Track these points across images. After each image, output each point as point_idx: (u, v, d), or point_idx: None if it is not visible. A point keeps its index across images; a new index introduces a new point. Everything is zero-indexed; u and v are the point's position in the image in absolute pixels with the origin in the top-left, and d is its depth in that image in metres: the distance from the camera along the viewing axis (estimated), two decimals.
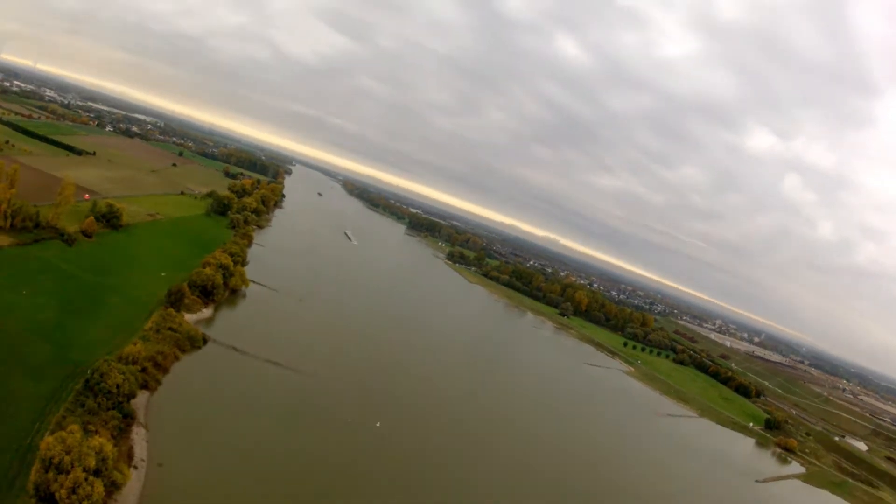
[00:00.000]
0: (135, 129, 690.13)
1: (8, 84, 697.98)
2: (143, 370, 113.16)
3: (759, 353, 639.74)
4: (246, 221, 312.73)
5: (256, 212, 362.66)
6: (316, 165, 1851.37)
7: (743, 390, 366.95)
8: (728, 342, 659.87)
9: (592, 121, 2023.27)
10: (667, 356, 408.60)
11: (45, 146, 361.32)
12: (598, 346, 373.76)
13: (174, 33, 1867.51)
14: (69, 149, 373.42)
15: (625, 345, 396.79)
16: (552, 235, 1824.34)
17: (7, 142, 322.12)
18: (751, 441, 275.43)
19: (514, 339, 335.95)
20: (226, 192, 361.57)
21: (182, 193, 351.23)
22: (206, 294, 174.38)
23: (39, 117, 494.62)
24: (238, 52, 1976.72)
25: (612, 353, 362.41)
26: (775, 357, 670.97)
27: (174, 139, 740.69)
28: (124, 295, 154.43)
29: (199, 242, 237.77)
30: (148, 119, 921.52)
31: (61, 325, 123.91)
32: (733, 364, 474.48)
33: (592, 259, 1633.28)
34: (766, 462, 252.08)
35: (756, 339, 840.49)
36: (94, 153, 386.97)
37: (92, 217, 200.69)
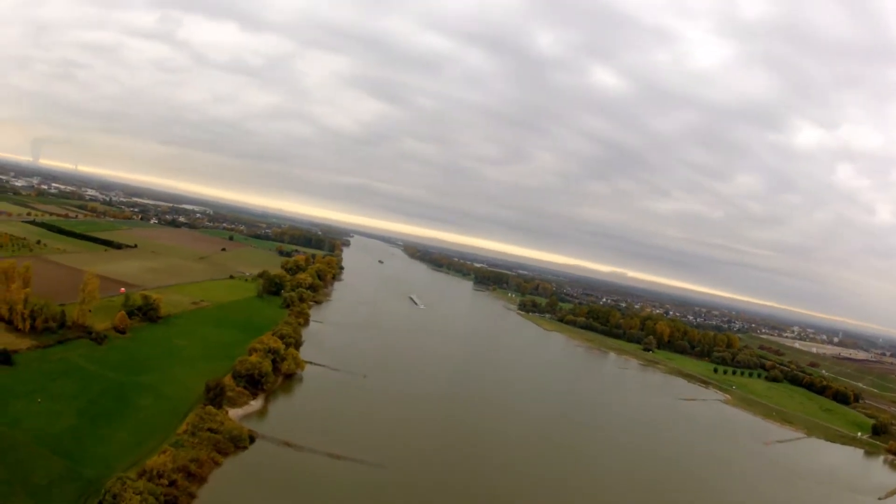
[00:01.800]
0: (182, 219, 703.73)
1: (46, 187, 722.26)
2: (172, 483, 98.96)
3: (845, 354, 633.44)
4: (301, 299, 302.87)
5: (312, 287, 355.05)
6: (374, 234, 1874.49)
7: (841, 397, 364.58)
8: (814, 348, 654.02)
9: (640, 147, 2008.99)
10: (758, 375, 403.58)
11: (83, 243, 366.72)
12: (689, 377, 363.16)
13: (210, 120, 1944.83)
14: (108, 244, 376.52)
15: (714, 371, 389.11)
16: (618, 269, 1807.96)
17: (38, 241, 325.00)
18: (860, 453, 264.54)
19: (601, 385, 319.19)
20: (278, 271, 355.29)
21: (231, 277, 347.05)
22: (254, 384, 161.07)
23: (77, 216, 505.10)
24: (278, 132, 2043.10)
25: (705, 383, 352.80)
26: (860, 355, 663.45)
27: (224, 225, 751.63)
28: (157, 394, 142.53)
29: (248, 327, 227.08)
30: (196, 208, 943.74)
31: (78, 435, 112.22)
32: (823, 371, 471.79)
33: (661, 286, 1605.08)
34: (882, 473, 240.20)
35: (835, 340, 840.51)
36: (136, 246, 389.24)
37: (122, 311, 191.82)
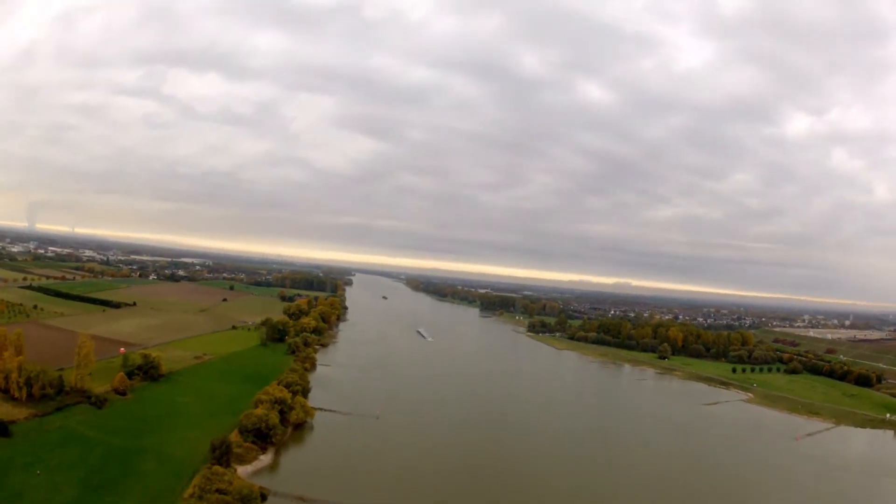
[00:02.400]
0: (181, 272, 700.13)
1: (42, 251, 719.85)
2: None
3: (860, 336, 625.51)
4: (306, 343, 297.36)
5: (317, 331, 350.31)
6: (376, 271, 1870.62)
7: (863, 381, 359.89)
8: (828, 334, 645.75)
9: (635, 157, 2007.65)
10: (777, 369, 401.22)
11: (81, 305, 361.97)
12: (708, 380, 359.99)
13: (204, 173, 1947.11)
14: (106, 303, 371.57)
15: (733, 371, 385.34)
16: (622, 280, 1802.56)
17: (35, 306, 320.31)
18: (891, 434, 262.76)
19: (622, 399, 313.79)
20: (281, 317, 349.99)
21: (234, 328, 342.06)
22: (263, 437, 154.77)
23: (74, 278, 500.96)
24: (272, 178, 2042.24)
25: (725, 384, 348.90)
26: (875, 335, 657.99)
27: (224, 275, 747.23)
28: (162, 457, 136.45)
29: (254, 378, 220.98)
30: (195, 261, 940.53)
31: None
32: (841, 356, 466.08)
33: (667, 292, 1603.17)
34: None
35: (847, 323, 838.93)
36: (135, 304, 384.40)
37: (121, 372, 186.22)
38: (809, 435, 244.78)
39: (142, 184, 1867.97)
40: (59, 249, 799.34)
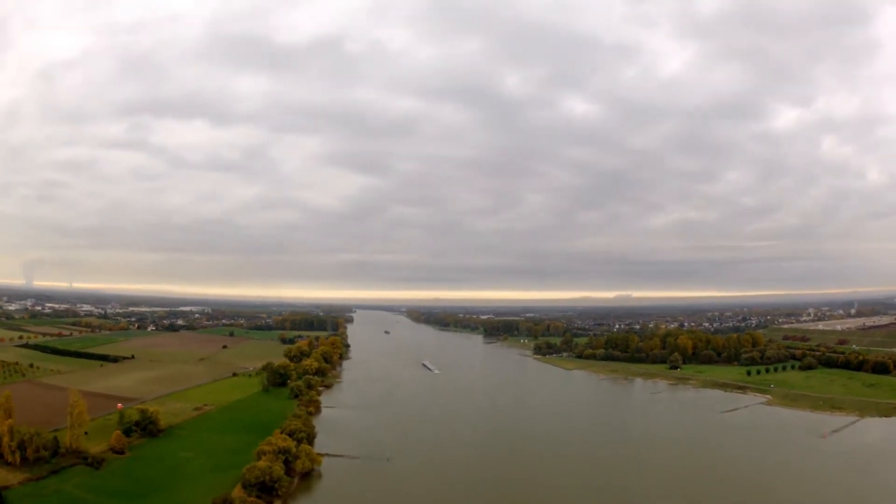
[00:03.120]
0: (180, 322, 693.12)
1: (40, 308, 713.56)
2: None
3: (870, 323, 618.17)
4: (309, 386, 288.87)
5: (320, 372, 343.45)
6: (376, 305, 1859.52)
7: (881, 368, 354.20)
8: (838, 325, 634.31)
9: (626, 167, 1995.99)
10: (792, 367, 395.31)
11: (78, 361, 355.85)
12: (724, 386, 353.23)
13: (199, 221, 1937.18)
14: (103, 358, 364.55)
15: (748, 374, 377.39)
16: (623, 293, 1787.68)
17: (31, 365, 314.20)
18: None
19: (639, 414, 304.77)
20: (282, 361, 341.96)
21: (234, 375, 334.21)
22: (268, 491, 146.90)
23: (71, 333, 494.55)
24: (267, 221, 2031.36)
25: (742, 388, 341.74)
26: (884, 320, 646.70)
27: (224, 321, 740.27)
28: None
29: (256, 427, 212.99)
30: (194, 309, 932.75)
31: None
32: (854, 345, 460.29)
33: (669, 299, 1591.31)
34: None
35: (852, 311, 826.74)
36: (133, 357, 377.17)
37: (118, 430, 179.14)
38: (836, 431, 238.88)
39: (136, 236, 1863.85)
40: (56, 305, 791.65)
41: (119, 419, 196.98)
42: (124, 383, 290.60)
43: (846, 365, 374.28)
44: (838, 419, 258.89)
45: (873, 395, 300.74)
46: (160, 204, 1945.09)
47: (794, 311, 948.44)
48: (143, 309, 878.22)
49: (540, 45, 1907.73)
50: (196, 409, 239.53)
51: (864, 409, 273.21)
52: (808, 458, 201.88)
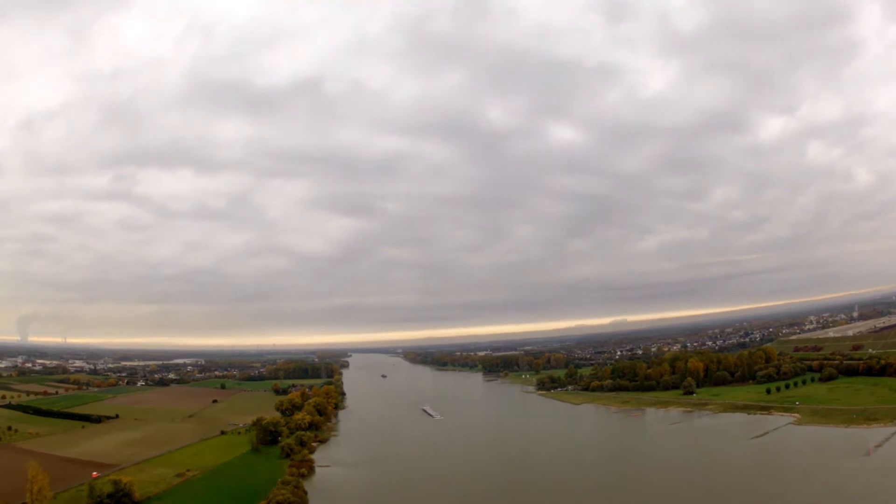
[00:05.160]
0: (171, 375, 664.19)
1: (30, 364, 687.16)
2: None
3: (880, 325, 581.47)
4: (301, 443, 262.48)
5: (314, 425, 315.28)
6: (372, 348, 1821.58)
7: None
8: (849, 331, 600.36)
9: (613, 192, 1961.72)
10: (812, 380, 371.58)
11: (61, 422, 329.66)
12: (745, 408, 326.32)
13: (187, 271, 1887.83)
14: (86, 418, 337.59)
15: (767, 392, 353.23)
16: (618, 318, 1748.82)
17: (10, 428, 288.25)
18: None
19: (659, 454, 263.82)
20: (272, 416, 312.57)
21: (223, 433, 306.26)
22: None
23: (57, 392, 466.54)
24: (256, 269, 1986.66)
25: (765, 409, 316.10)
26: (894, 319, 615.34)
27: (216, 373, 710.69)
28: None
29: (242, 495, 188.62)
30: (187, 361, 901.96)
31: None
32: (870, 349, 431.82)
33: (666, 321, 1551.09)
34: None
35: (854, 314, 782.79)
36: (117, 416, 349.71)
37: None
38: (879, 445, 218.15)
39: (126, 289, 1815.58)
40: (47, 362, 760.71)
41: (89, 492, 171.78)
42: (105, 447, 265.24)
43: (868, 371, 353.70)
44: (878, 432, 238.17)
45: None
46: (148, 255, 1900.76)
47: (795, 320, 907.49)
48: (136, 363, 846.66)
49: (521, 73, 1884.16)
50: (178, 475, 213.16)
51: None
52: (857, 479, 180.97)
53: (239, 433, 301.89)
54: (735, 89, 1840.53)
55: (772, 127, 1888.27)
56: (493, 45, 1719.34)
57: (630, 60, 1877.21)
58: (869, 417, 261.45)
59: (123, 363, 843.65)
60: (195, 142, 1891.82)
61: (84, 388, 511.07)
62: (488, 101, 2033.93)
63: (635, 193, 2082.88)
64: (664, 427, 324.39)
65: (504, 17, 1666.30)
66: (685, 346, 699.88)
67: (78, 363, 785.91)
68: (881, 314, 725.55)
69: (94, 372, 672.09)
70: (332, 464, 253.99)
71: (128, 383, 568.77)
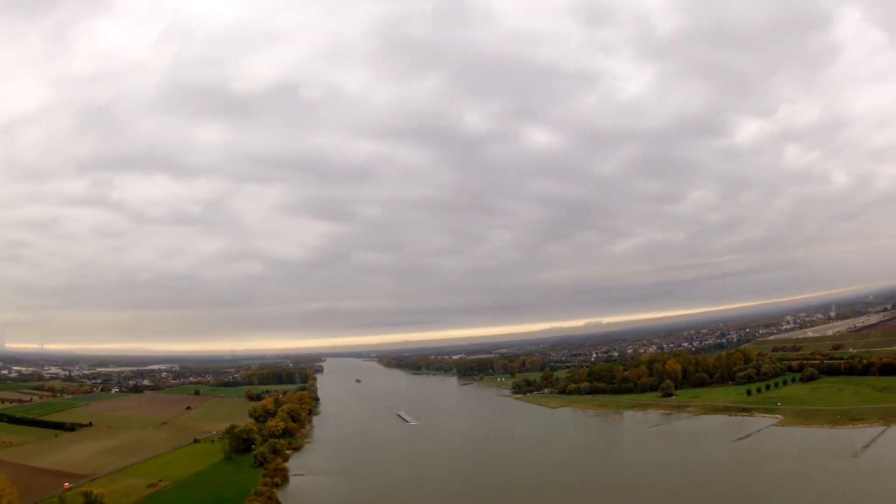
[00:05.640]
0: (146, 382, 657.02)
1: (6, 371, 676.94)
2: None
3: (860, 324, 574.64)
4: (275, 451, 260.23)
5: (287, 432, 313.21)
6: (347, 352, 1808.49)
7: (890, 369, 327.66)
8: (829, 330, 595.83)
9: (590, 195, 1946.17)
10: (792, 380, 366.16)
11: (34, 430, 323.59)
12: (726, 410, 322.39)
13: (164, 276, 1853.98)
14: (59, 426, 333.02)
15: (748, 393, 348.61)
16: (593, 320, 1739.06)
17: None
18: None
19: (642, 458, 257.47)
20: (245, 424, 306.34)
21: (196, 441, 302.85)
22: None
23: (31, 399, 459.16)
24: (231, 274, 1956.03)
25: (747, 410, 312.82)
26: (873, 319, 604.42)
27: (191, 379, 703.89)
28: None
29: None
30: (162, 367, 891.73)
31: None
32: (851, 349, 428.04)
33: (641, 322, 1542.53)
34: None
35: (832, 314, 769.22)
36: (91, 424, 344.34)
37: None
38: (866, 446, 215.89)
39: (103, 295, 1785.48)
40: (23, 369, 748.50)
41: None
42: (77, 456, 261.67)
43: (850, 371, 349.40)
44: (864, 432, 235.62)
45: (889, 399, 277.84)
46: (125, 261, 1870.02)
47: (771, 321, 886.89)
48: (111, 369, 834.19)
49: (498, 78, 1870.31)
50: (150, 485, 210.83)
51: (887, 417, 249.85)
52: (848, 482, 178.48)
53: (212, 441, 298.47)
54: (712, 93, 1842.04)
55: (749, 130, 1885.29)
56: (470, 49, 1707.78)
57: (607, 65, 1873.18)
58: (854, 418, 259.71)
59: (99, 369, 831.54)
60: (172, 147, 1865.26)
61: (59, 395, 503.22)
62: (465, 105, 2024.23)
63: (611, 197, 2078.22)
64: (644, 430, 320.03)
65: (482, 21, 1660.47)
66: (661, 348, 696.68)
67: (53, 370, 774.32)
68: (859, 314, 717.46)
69: (70, 378, 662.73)
70: (306, 472, 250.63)
71: (102, 390, 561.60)
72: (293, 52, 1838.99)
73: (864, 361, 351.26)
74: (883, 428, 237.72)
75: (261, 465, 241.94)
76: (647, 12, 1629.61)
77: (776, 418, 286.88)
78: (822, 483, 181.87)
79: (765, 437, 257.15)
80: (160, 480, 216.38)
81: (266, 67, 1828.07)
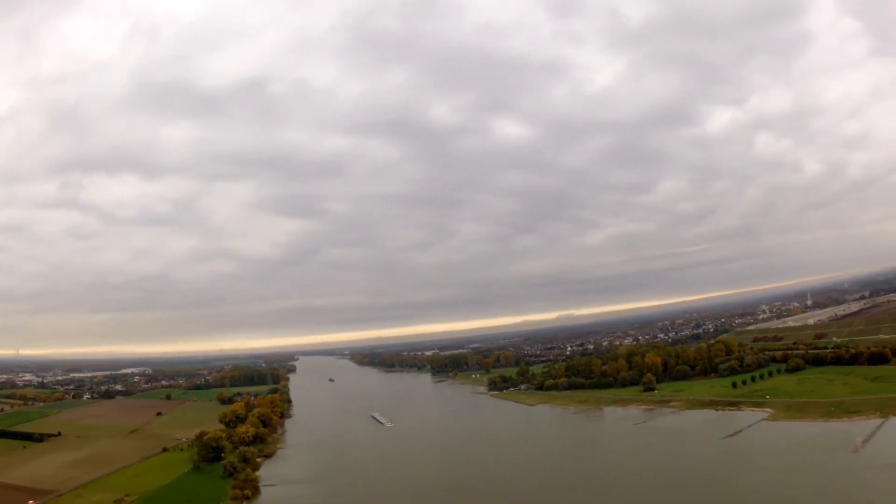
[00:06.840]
0: (118, 387, 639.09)
1: None
2: None
3: (842, 312, 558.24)
4: (245, 460, 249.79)
5: (258, 438, 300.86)
6: (320, 350, 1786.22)
7: (880, 358, 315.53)
8: (810, 319, 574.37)
9: (560, 187, 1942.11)
10: (778, 371, 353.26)
11: (3, 442, 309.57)
12: (712, 404, 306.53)
13: (135, 278, 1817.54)
14: (28, 437, 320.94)
15: (734, 385, 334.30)
16: (564, 312, 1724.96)
17: None
18: None
19: (626, 459, 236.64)
20: (214, 431, 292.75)
21: (165, 450, 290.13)
22: None
23: (2, 409, 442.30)
24: (203, 274, 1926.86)
25: (734, 404, 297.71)
26: (854, 307, 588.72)
27: (163, 383, 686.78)
28: None
29: None
30: (135, 370, 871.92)
31: None
32: (834, 338, 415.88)
33: (614, 314, 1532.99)
34: None
35: (808, 303, 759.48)
36: (59, 434, 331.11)
37: None
38: (866, 440, 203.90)
39: (76, 298, 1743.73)
40: None
41: None
42: (44, 469, 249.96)
43: (838, 361, 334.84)
44: (861, 425, 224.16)
45: (883, 389, 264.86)
46: (97, 263, 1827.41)
47: (747, 310, 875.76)
48: (84, 374, 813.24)
49: (467, 70, 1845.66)
50: (117, 501, 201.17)
51: (884, 408, 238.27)
52: (852, 479, 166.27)
53: (182, 449, 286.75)
54: (683, 82, 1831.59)
55: (720, 119, 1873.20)
56: (439, 42, 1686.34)
57: (577, 55, 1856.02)
58: (849, 410, 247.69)
59: (73, 375, 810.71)
60: (140, 146, 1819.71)
61: (30, 403, 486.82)
62: (434, 98, 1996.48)
63: (582, 188, 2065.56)
64: (628, 427, 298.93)
65: (451, 13, 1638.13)
66: (637, 339, 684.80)
67: (27, 376, 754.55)
68: (838, 302, 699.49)
69: (42, 385, 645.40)
70: (277, 482, 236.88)
71: (74, 396, 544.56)
72: (260, 47, 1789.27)
73: (852, 351, 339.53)
74: (881, 420, 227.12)
75: (230, 475, 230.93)
76: (617, 2, 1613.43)
77: (766, 412, 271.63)
78: (822, 480, 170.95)
79: (757, 433, 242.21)
80: (126, 495, 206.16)
81: (233, 64, 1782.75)
